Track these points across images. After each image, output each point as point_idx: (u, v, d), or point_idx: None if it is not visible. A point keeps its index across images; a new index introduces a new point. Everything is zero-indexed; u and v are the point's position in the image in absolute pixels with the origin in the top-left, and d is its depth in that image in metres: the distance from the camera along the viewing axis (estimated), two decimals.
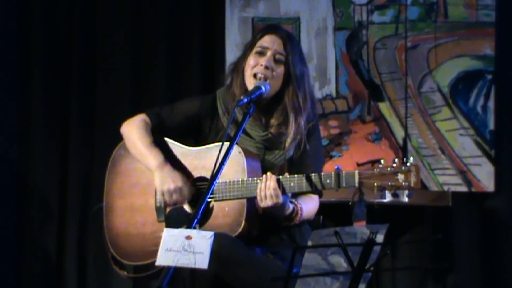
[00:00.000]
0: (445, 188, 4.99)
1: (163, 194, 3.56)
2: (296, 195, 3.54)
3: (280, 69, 3.59)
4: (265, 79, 3.56)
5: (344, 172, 3.34)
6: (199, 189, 3.60)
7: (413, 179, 3.24)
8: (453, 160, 5.02)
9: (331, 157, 5.03)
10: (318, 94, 5.01)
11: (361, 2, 5.12)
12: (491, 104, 5.01)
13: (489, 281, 5.02)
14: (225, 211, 3.47)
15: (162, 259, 2.98)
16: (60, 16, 5.25)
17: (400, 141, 5.05)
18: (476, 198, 5.03)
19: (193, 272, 3.26)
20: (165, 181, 3.56)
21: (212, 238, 2.98)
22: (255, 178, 3.44)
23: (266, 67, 3.56)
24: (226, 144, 3.31)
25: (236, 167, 3.48)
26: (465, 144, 5.03)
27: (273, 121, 3.61)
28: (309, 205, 3.57)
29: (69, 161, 5.21)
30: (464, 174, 5.00)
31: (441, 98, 5.06)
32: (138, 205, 3.66)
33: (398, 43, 5.09)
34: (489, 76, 5.02)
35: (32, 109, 5.21)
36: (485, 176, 4.99)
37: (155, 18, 5.24)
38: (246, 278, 3.34)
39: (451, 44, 5.07)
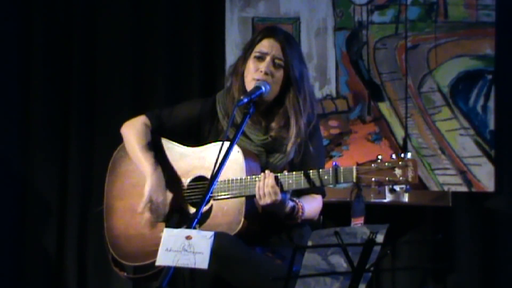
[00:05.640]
0: (445, 188, 4.99)
1: (150, 201, 3.58)
2: (299, 195, 3.54)
3: (280, 74, 3.60)
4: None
5: (341, 168, 3.35)
6: (190, 193, 3.61)
7: (410, 174, 3.24)
8: (453, 160, 5.02)
9: (331, 157, 5.03)
10: (318, 94, 5.01)
11: (361, 2, 5.12)
12: (491, 104, 5.01)
13: (489, 281, 5.02)
14: (224, 210, 3.48)
15: (162, 259, 2.99)
16: (60, 17, 5.25)
17: (400, 141, 5.05)
18: (476, 198, 5.03)
19: (193, 272, 3.26)
20: (153, 191, 3.58)
21: (212, 238, 2.98)
22: (254, 177, 3.44)
23: (266, 73, 3.57)
24: (226, 143, 3.32)
25: (234, 166, 3.48)
26: (465, 144, 5.03)
27: (273, 125, 3.61)
28: (311, 205, 3.57)
29: (69, 162, 5.21)
30: (464, 174, 5.00)
31: (441, 98, 5.06)
32: (138, 206, 3.65)
33: (398, 43, 5.09)
34: (489, 76, 5.02)
35: (32, 109, 5.21)
36: (485, 176, 4.99)
37: (155, 18, 5.24)
38: (246, 277, 3.34)
39: (451, 44, 5.07)
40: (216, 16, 5.20)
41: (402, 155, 3.26)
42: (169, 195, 3.61)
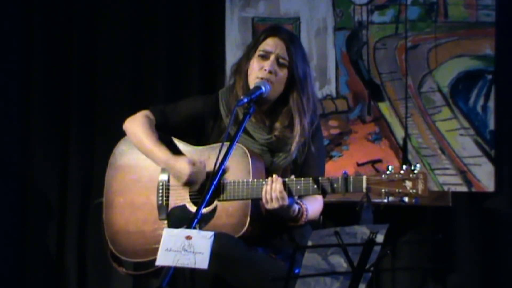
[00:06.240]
0: (445, 188, 4.99)
1: (188, 182, 3.53)
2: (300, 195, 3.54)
3: (284, 73, 3.59)
4: (270, 83, 3.56)
5: (351, 177, 3.34)
6: (193, 193, 3.61)
7: (420, 187, 3.24)
8: (453, 160, 5.02)
9: (331, 157, 5.03)
10: (318, 94, 5.01)
11: (361, 2, 5.12)
12: (491, 104, 5.01)
13: (489, 281, 5.02)
14: (229, 211, 3.47)
15: (162, 259, 2.99)
16: (60, 17, 5.25)
17: (400, 141, 5.05)
18: (476, 198, 5.03)
19: (194, 272, 3.26)
20: (183, 170, 3.53)
21: (212, 238, 2.98)
22: (261, 180, 3.44)
23: (270, 72, 3.56)
24: (227, 144, 3.31)
25: (241, 168, 3.48)
26: (465, 144, 5.03)
27: (277, 125, 3.61)
28: (314, 206, 3.57)
29: (69, 161, 5.21)
30: (464, 174, 5.00)
31: (441, 98, 5.06)
32: (139, 202, 3.65)
33: (398, 43, 5.09)
34: (489, 76, 5.02)
35: (32, 109, 5.21)
36: (485, 176, 4.99)
37: (155, 18, 5.24)
38: (246, 278, 3.34)
39: (451, 44, 5.07)
40: (216, 16, 5.20)
41: (412, 167, 3.26)
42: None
